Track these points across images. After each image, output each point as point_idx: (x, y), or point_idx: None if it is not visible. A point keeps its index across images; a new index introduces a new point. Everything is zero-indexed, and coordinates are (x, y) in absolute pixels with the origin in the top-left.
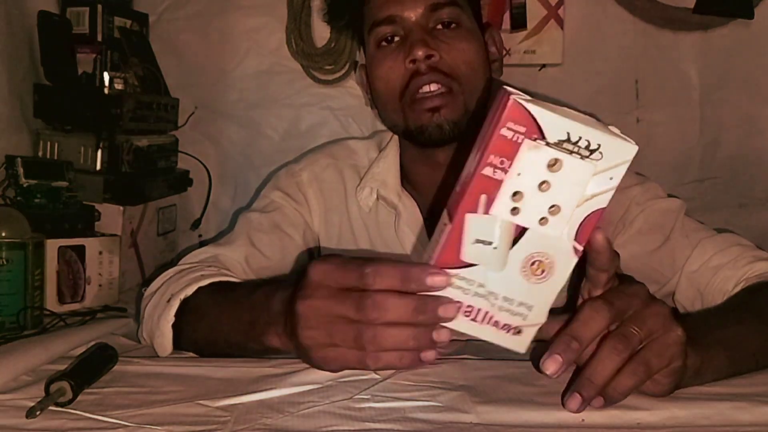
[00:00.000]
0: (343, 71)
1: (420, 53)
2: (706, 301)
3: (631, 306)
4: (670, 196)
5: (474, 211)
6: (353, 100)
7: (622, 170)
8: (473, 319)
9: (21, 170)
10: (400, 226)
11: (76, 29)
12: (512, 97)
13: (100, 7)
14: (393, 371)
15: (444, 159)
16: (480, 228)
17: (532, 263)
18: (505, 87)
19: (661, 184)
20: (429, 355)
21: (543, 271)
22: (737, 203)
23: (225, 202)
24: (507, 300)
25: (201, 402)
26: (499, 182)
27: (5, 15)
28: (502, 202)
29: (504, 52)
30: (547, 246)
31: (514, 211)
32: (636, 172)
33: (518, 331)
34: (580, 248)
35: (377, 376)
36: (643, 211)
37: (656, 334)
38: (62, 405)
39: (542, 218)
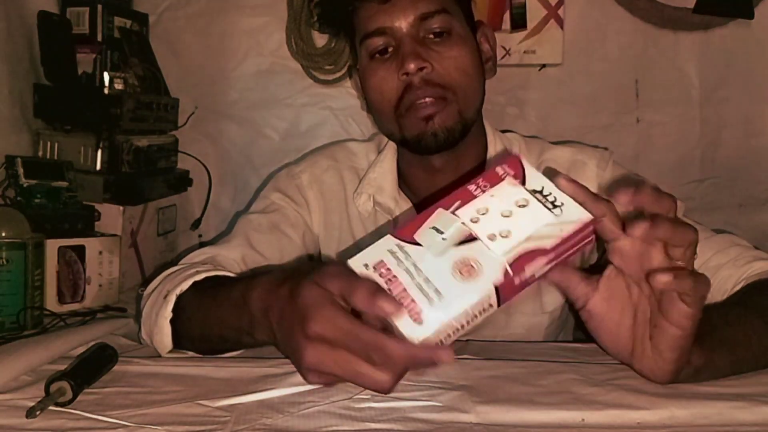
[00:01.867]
0: (343, 71)
1: (412, 66)
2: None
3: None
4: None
5: (445, 209)
6: (353, 100)
7: (572, 229)
8: (390, 289)
9: (21, 170)
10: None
11: (76, 29)
12: (515, 155)
13: (100, 7)
14: None
15: (440, 164)
16: (441, 221)
17: (465, 264)
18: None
19: (661, 184)
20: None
21: (470, 274)
22: (737, 203)
23: (225, 202)
24: (427, 281)
25: (201, 402)
26: (474, 197)
27: (5, 15)
28: (469, 210)
29: (503, 52)
30: (484, 258)
31: (474, 220)
32: (635, 173)
33: (420, 320)
34: (510, 273)
35: None
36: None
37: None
38: (62, 405)
39: (492, 235)
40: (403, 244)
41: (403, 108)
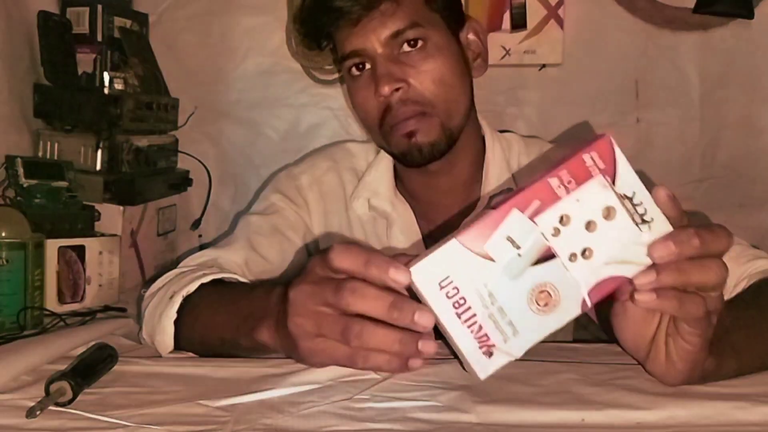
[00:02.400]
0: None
1: (386, 89)
2: None
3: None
4: None
5: (522, 210)
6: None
7: (656, 249)
8: (458, 313)
9: (21, 170)
10: (393, 233)
11: (76, 29)
12: (610, 136)
13: (100, 7)
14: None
15: (435, 168)
16: (518, 228)
17: (541, 291)
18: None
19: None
20: (415, 362)
21: (546, 305)
22: (737, 203)
23: (225, 202)
24: (501, 312)
25: (201, 402)
26: (558, 198)
27: (5, 15)
28: (550, 217)
29: (503, 52)
30: (562, 284)
31: (555, 232)
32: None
33: (490, 353)
34: (589, 304)
35: (377, 376)
36: None
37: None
38: (62, 405)
39: (573, 254)
40: (472, 256)
41: (387, 126)
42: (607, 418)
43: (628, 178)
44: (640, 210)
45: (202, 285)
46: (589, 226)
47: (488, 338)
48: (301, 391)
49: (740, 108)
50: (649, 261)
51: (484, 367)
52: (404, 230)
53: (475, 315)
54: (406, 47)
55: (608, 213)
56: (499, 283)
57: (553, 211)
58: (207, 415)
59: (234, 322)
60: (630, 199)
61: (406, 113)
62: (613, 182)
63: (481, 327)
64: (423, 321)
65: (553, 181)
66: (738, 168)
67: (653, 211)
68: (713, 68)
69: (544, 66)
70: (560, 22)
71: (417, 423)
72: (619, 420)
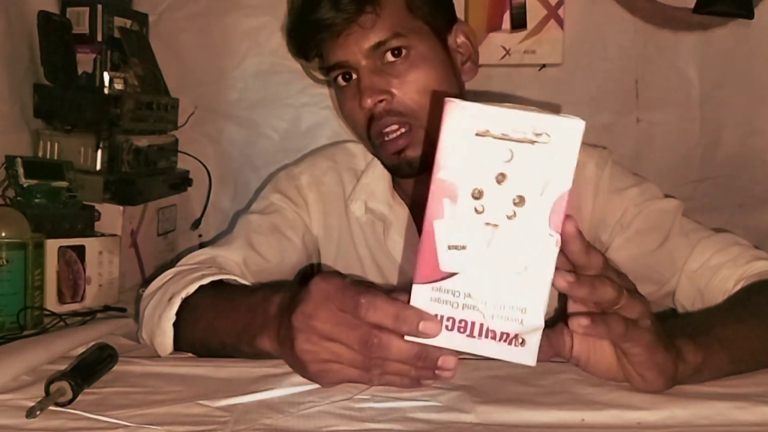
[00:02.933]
0: None
1: (368, 102)
2: (707, 300)
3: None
4: (667, 196)
5: (440, 217)
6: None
7: (575, 148)
8: (470, 335)
9: (21, 170)
10: (390, 235)
11: (76, 29)
12: (450, 101)
13: (100, 7)
14: None
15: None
16: (451, 233)
17: (513, 262)
18: (447, 99)
19: (661, 184)
20: (428, 382)
21: (525, 268)
22: (737, 203)
23: (225, 202)
24: (497, 306)
25: (201, 402)
26: (456, 185)
27: (5, 15)
28: (464, 202)
29: (503, 52)
30: (523, 241)
31: (480, 210)
32: (633, 173)
33: (521, 342)
34: (557, 234)
35: None
36: (640, 212)
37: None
38: (62, 405)
39: (509, 213)
40: (436, 285)
41: (374, 137)
42: (607, 418)
43: (496, 116)
44: (527, 130)
45: (202, 286)
46: (500, 179)
47: (508, 334)
48: (301, 391)
49: (740, 108)
50: (573, 161)
51: (526, 356)
52: (401, 232)
53: (482, 325)
54: (389, 57)
55: (508, 157)
56: (476, 286)
57: (464, 195)
58: (207, 415)
59: (235, 329)
60: (513, 130)
61: (388, 122)
62: (487, 131)
63: (494, 331)
64: (448, 365)
65: (442, 173)
66: (738, 168)
67: (539, 120)
68: (713, 68)
69: (544, 66)
70: (560, 22)
71: (417, 423)
72: (619, 420)
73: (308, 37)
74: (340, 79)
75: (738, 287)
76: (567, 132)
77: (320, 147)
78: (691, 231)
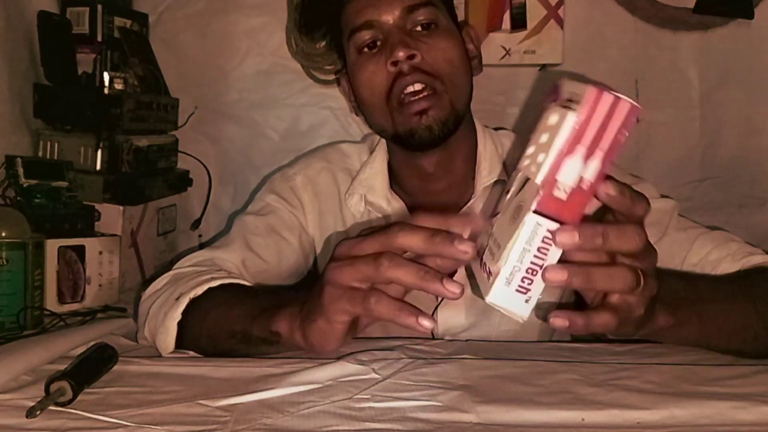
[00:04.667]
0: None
1: (401, 54)
2: None
3: (648, 259)
4: (663, 196)
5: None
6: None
7: (583, 110)
8: (479, 265)
9: (21, 170)
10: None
11: (76, 29)
12: (560, 79)
13: (100, 7)
14: (393, 371)
15: (431, 167)
16: (511, 180)
17: (516, 208)
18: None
19: (661, 184)
20: (425, 321)
21: (518, 215)
22: (737, 203)
23: (225, 203)
24: (495, 242)
25: (201, 402)
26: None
27: (5, 15)
28: (525, 155)
29: (504, 52)
30: (528, 192)
31: (528, 164)
32: (631, 173)
33: (489, 274)
34: (542, 191)
35: (377, 376)
36: None
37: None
38: (62, 405)
39: (537, 165)
40: (492, 221)
41: (395, 100)
42: (607, 418)
43: (570, 86)
44: (573, 97)
45: (210, 288)
46: (545, 140)
47: (486, 265)
48: (301, 391)
49: (740, 108)
50: (579, 120)
51: (486, 289)
52: None
53: (481, 258)
54: (418, 28)
55: (553, 121)
56: (498, 224)
57: (527, 150)
58: (207, 415)
59: (251, 313)
60: (569, 100)
61: (416, 78)
62: (559, 98)
63: (484, 263)
64: (463, 247)
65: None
66: (738, 168)
67: (578, 89)
68: (713, 68)
69: (544, 66)
70: (560, 22)
71: (417, 423)
72: (619, 420)
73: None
74: (365, 49)
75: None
76: (583, 98)
77: (314, 148)
78: (688, 228)
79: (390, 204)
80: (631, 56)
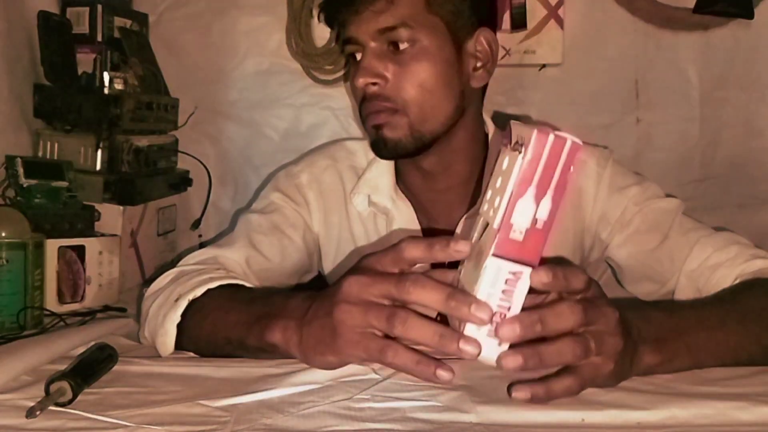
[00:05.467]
0: (343, 71)
1: (360, 81)
2: None
3: (598, 321)
4: (668, 195)
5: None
6: (353, 100)
7: (530, 153)
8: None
9: (21, 170)
10: (394, 230)
11: (76, 29)
12: (510, 122)
13: (100, 7)
14: (393, 371)
15: (429, 167)
16: (474, 227)
17: (478, 253)
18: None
19: (661, 184)
20: (443, 374)
21: (479, 260)
22: (737, 203)
23: (225, 202)
24: (461, 286)
25: (201, 402)
26: (486, 187)
27: (5, 15)
28: (484, 201)
29: (503, 52)
30: (486, 237)
31: (486, 209)
32: (635, 171)
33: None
34: (500, 235)
35: (377, 376)
36: (640, 211)
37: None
38: (62, 405)
39: (493, 210)
40: (459, 268)
41: (363, 114)
42: (607, 418)
43: (515, 131)
44: (520, 141)
45: (209, 289)
46: (497, 184)
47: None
48: (301, 391)
49: (740, 108)
50: (525, 163)
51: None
52: (404, 226)
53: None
54: (394, 45)
55: (506, 165)
56: (465, 270)
57: (485, 196)
58: (207, 415)
59: (246, 321)
60: (516, 143)
61: (375, 107)
62: (508, 144)
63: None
64: (479, 313)
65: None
66: (738, 168)
67: (524, 133)
68: (713, 68)
69: (544, 66)
70: (560, 22)
71: (417, 423)
72: (619, 420)
73: (333, 10)
74: (350, 57)
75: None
76: (529, 141)
77: (319, 146)
78: (690, 230)
79: (395, 204)
80: (631, 56)
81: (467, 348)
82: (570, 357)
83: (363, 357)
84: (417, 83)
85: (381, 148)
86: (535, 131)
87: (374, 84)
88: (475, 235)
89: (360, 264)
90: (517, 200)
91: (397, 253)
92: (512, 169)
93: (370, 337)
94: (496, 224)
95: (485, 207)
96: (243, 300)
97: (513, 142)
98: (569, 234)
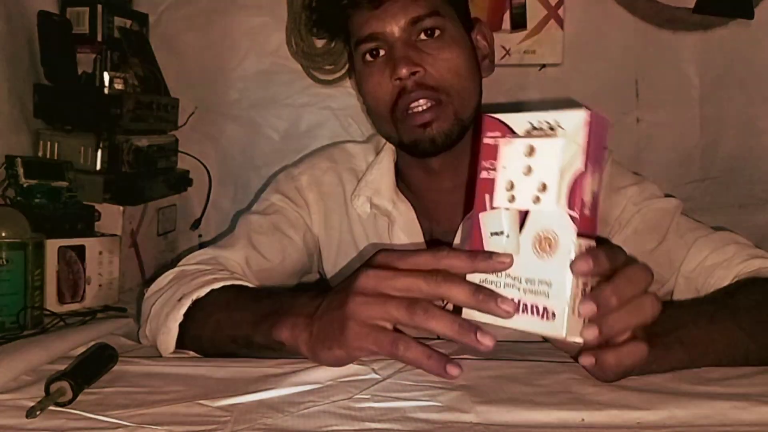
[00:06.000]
0: (343, 71)
1: (404, 71)
2: None
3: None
4: (667, 195)
5: (484, 209)
6: (353, 100)
7: (583, 133)
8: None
9: (21, 170)
10: (395, 232)
11: (76, 29)
12: (486, 115)
13: (100, 7)
14: (393, 371)
15: (438, 166)
16: (491, 222)
17: (540, 241)
18: (484, 114)
19: (661, 184)
20: (453, 369)
21: (550, 246)
22: (737, 203)
23: (225, 203)
24: (529, 281)
25: (201, 402)
26: (493, 180)
27: (5, 15)
28: (500, 194)
29: (503, 52)
30: (547, 222)
31: (512, 199)
32: (634, 171)
33: (552, 315)
34: (575, 214)
35: (377, 376)
36: (639, 211)
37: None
38: (62, 405)
39: (535, 197)
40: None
41: (399, 112)
42: (607, 418)
43: (517, 120)
44: (544, 126)
45: (213, 290)
46: (526, 171)
47: (539, 308)
48: (301, 391)
49: (740, 108)
50: (583, 144)
51: (557, 328)
52: (406, 229)
53: (520, 301)
54: (423, 36)
55: (530, 151)
56: (515, 264)
57: (498, 189)
58: (207, 415)
59: (252, 319)
60: (533, 128)
61: (419, 95)
62: (514, 133)
63: (527, 305)
64: (506, 306)
65: (483, 174)
66: (738, 168)
67: (553, 116)
68: (713, 68)
69: (544, 66)
70: (560, 22)
71: (417, 423)
72: (619, 420)
73: (345, 6)
74: (367, 55)
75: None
76: (575, 121)
77: (319, 148)
78: (688, 230)
79: (396, 206)
80: (631, 56)
81: (484, 340)
82: (650, 312)
83: (373, 350)
84: (454, 70)
85: (427, 145)
86: (585, 112)
87: (414, 73)
88: (507, 228)
89: (374, 260)
90: (582, 178)
91: (435, 259)
92: (552, 152)
93: (381, 330)
94: (561, 205)
95: (503, 198)
96: (249, 299)
97: (533, 128)
98: None
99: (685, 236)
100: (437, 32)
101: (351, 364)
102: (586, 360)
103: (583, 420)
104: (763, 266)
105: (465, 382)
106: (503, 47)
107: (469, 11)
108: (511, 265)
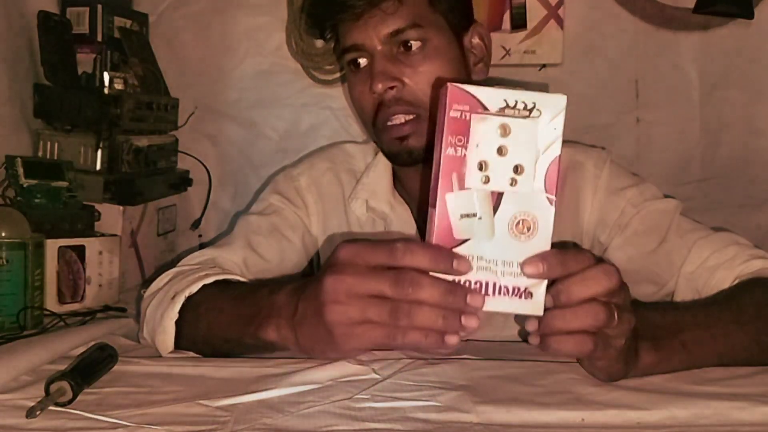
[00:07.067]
0: (343, 71)
1: (379, 87)
2: None
3: (618, 295)
4: (666, 196)
5: (450, 190)
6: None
7: (562, 119)
8: (485, 294)
9: (21, 170)
10: (392, 234)
11: (76, 29)
12: (449, 84)
13: (100, 7)
14: (393, 371)
15: (424, 171)
16: (461, 204)
17: (517, 223)
18: (448, 82)
19: (661, 184)
20: (452, 339)
21: (529, 228)
22: (737, 203)
23: (225, 202)
24: (506, 264)
25: (201, 402)
26: (463, 158)
27: (5, 15)
28: (472, 174)
29: (504, 52)
30: (524, 204)
31: (485, 180)
32: (632, 172)
33: (529, 294)
34: (552, 197)
35: (377, 376)
36: (638, 213)
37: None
38: (62, 405)
39: (511, 179)
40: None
41: (379, 123)
42: (607, 418)
43: (491, 96)
44: (520, 106)
45: (205, 285)
46: (501, 151)
47: (518, 288)
48: (301, 391)
49: (740, 108)
50: (560, 131)
51: (535, 307)
52: (402, 231)
53: (495, 284)
54: (405, 47)
55: (504, 130)
56: (487, 249)
57: (470, 168)
58: (207, 415)
59: (238, 322)
60: (507, 107)
61: (396, 111)
62: (486, 109)
63: (506, 287)
64: (475, 302)
65: (450, 151)
66: (738, 168)
67: (529, 97)
68: (713, 68)
69: (544, 66)
70: (560, 22)
71: (417, 423)
72: (619, 420)
73: (328, 16)
74: (351, 64)
75: None
76: (554, 106)
77: (318, 148)
78: (688, 231)
79: (393, 209)
80: (631, 56)
81: (469, 322)
82: (592, 320)
83: (368, 348)
84: (435, 82)
85: (405, 157)
86: (564, 97)
87: (392, 88)
88: (479, 210)
89: (337, 257)
90: (559, 162)
91: (392, 255)
92: (531, 135)
93: (370, 327)
94: (538, 186)
95: (475, 178)
96: (232, 299)
97: (507, 106)
98: (567, 236)
99: (686, 237)
100: (418, 44)
101: (351, 364)
102: (532, 334)
103: (583, 420)
104: (764, 267)
105: (465, 382)
106: (503, 47)
107: (465, 13)
108: (469, 269)
